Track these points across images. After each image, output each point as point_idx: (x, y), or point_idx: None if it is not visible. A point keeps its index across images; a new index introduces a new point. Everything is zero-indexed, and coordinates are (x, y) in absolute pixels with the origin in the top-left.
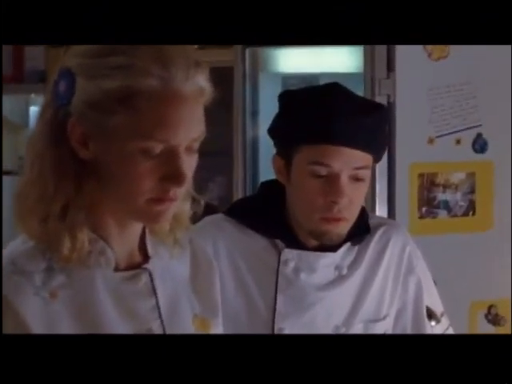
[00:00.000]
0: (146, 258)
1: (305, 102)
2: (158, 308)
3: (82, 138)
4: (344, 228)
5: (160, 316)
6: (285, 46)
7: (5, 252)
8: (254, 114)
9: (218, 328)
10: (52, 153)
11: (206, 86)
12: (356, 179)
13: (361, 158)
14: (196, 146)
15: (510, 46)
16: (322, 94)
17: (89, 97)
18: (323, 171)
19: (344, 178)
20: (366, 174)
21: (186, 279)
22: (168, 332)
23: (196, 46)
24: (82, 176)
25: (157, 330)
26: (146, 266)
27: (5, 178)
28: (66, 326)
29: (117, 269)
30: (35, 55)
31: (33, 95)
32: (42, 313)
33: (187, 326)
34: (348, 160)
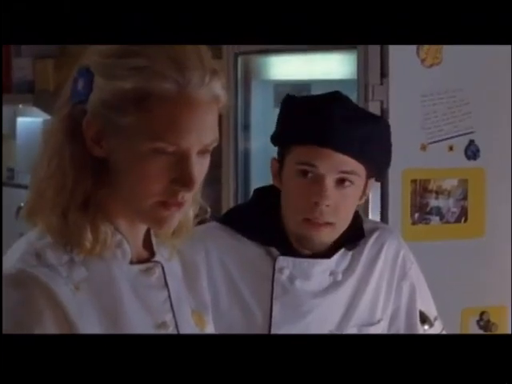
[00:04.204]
0: (151, 253)
1: (302, 106)
2: (170, 301)
3: (96, 135)
4: (328, 235)
5: (172, 309)
6: (277, 49)
7: (19, 247)
8: (246, 124)
9: (210, 323)
10: (69, 148)
11: (222, 93)
12: (342, 184)
13: (348, 162)
14: (208, 151)
15: (503, 52)
16: (320, 99)
17: (104, 96)
18: (309, 171)
19: (329, 181)
20: (354, 180)
21: (181, 277)
22: (179, 325)
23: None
24: (98, 172)
25: (170, 322)
26: (157, 259)
27: None
28: (89, 318)
29: (131, 262)
30: (24, 65)
31: (21, 106)
32: (72, 302)
33: (189, 320)
34: (334, 162)
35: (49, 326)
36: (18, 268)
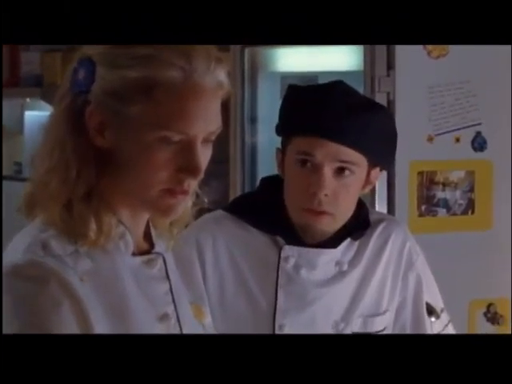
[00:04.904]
0: (151, 245)
1: (302, 96)
2: (172, 293)
3: (99, 126)
4: (328, 225)
5: (173, 301)
6: (284, 46)
7: (21, 240)
8: (253, 116)
9: (208, 315)
10: (72, 139)
11: (225, 81)
12: (342, 173)
13: (347, 152)
14: (211, 139)
15: (509, 46)
16: (320, 89)
17: (109, 85)
18: (307, 161)
19: (327, 170)
20: (354, 170)
21: (176, 270)
22: (180, 317)
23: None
24: (100, 162)
25: (171, 314)
26: (158, 250)
27: None
28: (96, 309)
29: (133, 253)
30: (31, 59)
31: (28, 99)
32: (82, 291)
33: (189, 312)
34: (332, 152)
35: (67, 316)
36: (28, 259)
